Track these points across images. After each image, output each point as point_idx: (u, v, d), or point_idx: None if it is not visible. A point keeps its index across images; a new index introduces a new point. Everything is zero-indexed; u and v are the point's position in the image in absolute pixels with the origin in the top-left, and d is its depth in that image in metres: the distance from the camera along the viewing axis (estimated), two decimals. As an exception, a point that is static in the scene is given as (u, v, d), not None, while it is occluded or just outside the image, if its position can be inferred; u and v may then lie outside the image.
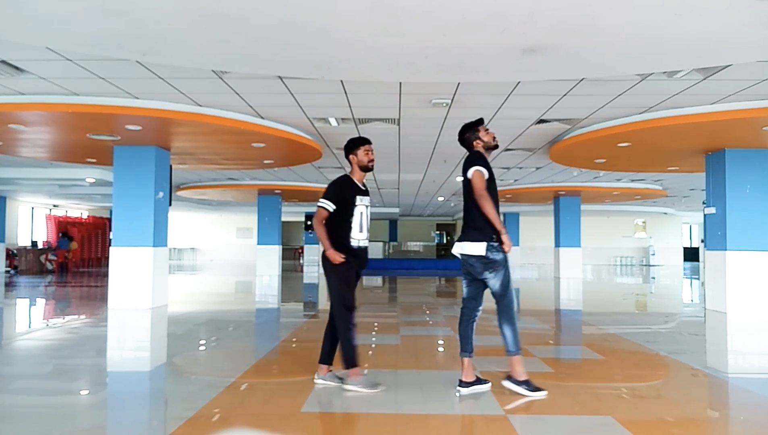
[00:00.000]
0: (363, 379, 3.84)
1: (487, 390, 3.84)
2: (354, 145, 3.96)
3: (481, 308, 3.94)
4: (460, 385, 3.82)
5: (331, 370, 4.01)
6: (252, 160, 10.51)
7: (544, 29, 3.92)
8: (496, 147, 4.00)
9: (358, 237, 3.86)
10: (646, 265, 26.55)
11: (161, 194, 8.46)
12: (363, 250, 3.93)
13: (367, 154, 3.92)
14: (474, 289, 3.92)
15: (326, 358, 3.98)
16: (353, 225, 3.84)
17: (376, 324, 6.95)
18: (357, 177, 3.97)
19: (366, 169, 3.94)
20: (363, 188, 3.97)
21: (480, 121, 4.04)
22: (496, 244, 3.72)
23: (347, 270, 3.82)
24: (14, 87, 6.01)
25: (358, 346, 3.86)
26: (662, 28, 3.94)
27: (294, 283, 15.06)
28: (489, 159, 3.93)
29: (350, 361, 3.80)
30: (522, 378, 3.77)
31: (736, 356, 5.82)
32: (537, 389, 3.75)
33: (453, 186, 15.47)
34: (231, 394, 3.81)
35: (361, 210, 3.88)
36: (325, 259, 3.83)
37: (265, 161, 10.51)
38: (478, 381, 3.86)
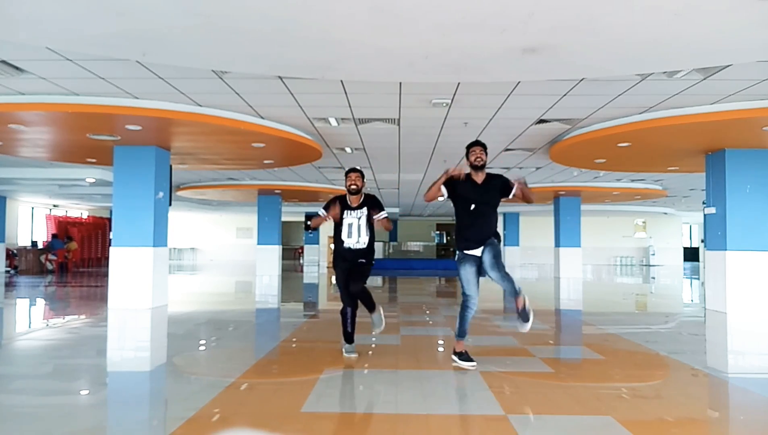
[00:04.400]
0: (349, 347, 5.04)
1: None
2: (346, 173, 5.04)
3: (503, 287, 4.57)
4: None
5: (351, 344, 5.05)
6: (252, 160, 10.51)
7: (544, 29, 3.92)
8: (473, 167, 4.67)
9: (347, 241, 4.97)
10: (646, 265, 26.56)
11: (161, 194, 8.46)
12: (352, 251, 4.97)
13: (349, 179, 4.98)
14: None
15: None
16: (342, 232, 4.97)
17: (376, 324, 6.95)
18: (350, 196, 5.02)
19: (348, 191, 5.00)
20: (353, 205, 5.00)
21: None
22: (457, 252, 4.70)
23: (337, 270, 5.06)
24: (14, 87, 6.01)
25: (348, 332, 5.02)
26: (662, 28, 3.94)
27: (294, 284, 15.06)
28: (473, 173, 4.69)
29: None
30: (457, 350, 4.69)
31: (736, 356, 5.82)
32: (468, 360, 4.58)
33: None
34: (231, 394, 3.81)
35: (350, 221, 4.96)
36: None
37: (265, 161, 10.51)
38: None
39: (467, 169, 4.68)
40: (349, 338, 5.02)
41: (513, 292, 4.53)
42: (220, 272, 19.60)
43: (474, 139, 4.79)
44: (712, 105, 6.61)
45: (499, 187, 4.66)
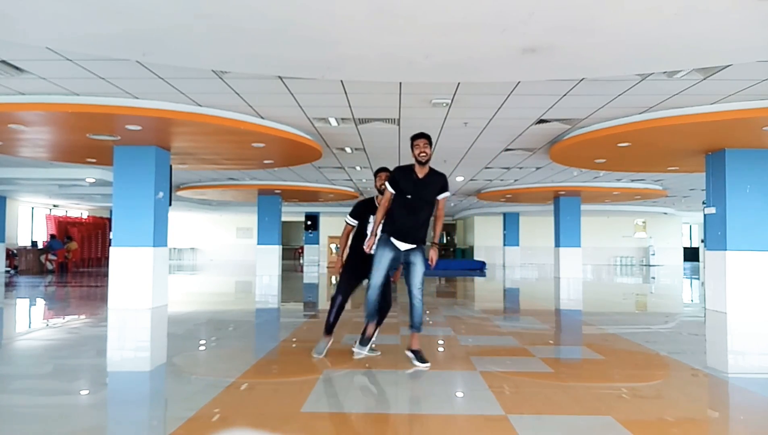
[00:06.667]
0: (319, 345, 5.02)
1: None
2: (376, 172, 5.04)
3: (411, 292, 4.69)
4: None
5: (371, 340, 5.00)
6: (252, 160, 10.52)
7: (544, 29, 3.93)
8: (418, 162, 4.56)
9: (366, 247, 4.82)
10: (646, 265, 26.56)
11: (161, 194, 8.46)
12: (368, 257, 4.81)
13: (379, 180, 4.94)
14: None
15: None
16: (368, 236, 4.87)
17: (376, 324, 6.94)
18: (378, 198, 4.94)
19: (379, 191, 4.92)
20: None
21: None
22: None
23: (347, 267, 5.07)
24: (14, 87, 6.01)
25: (330, 321, 5.00)
26: (662, 28, 3.95)
27: (294, 284, 15.06)
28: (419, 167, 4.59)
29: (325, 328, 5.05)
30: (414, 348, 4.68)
31: (736, 356, 5.82)
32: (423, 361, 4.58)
33: (453, 186, 15.47)
34: (231, 394, 3.81)
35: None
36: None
37: (265, 161, 10.51)
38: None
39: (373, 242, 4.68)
40: (329, 329, 4.99)
41: (417, 323, 4.59)
42: (220, 272, 19.60)
43: (419, 132, 4.62)
44: (712, 105, 6.61)
45: (439, 186, 4.62)
